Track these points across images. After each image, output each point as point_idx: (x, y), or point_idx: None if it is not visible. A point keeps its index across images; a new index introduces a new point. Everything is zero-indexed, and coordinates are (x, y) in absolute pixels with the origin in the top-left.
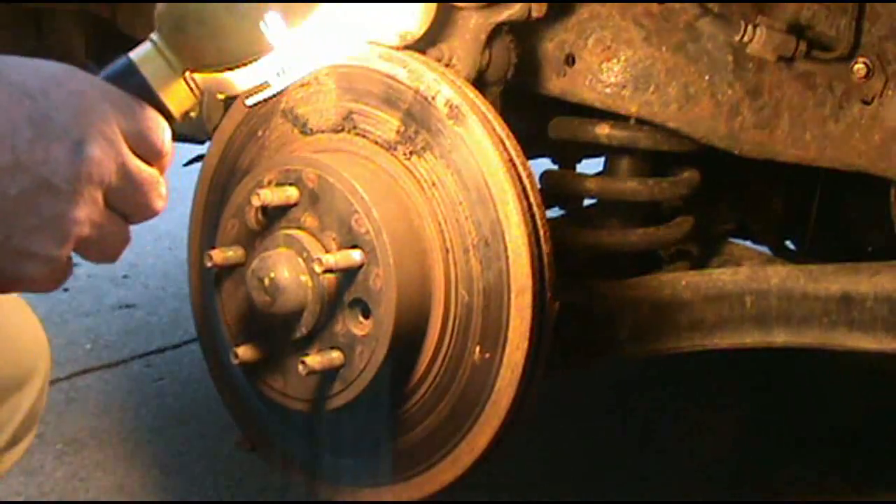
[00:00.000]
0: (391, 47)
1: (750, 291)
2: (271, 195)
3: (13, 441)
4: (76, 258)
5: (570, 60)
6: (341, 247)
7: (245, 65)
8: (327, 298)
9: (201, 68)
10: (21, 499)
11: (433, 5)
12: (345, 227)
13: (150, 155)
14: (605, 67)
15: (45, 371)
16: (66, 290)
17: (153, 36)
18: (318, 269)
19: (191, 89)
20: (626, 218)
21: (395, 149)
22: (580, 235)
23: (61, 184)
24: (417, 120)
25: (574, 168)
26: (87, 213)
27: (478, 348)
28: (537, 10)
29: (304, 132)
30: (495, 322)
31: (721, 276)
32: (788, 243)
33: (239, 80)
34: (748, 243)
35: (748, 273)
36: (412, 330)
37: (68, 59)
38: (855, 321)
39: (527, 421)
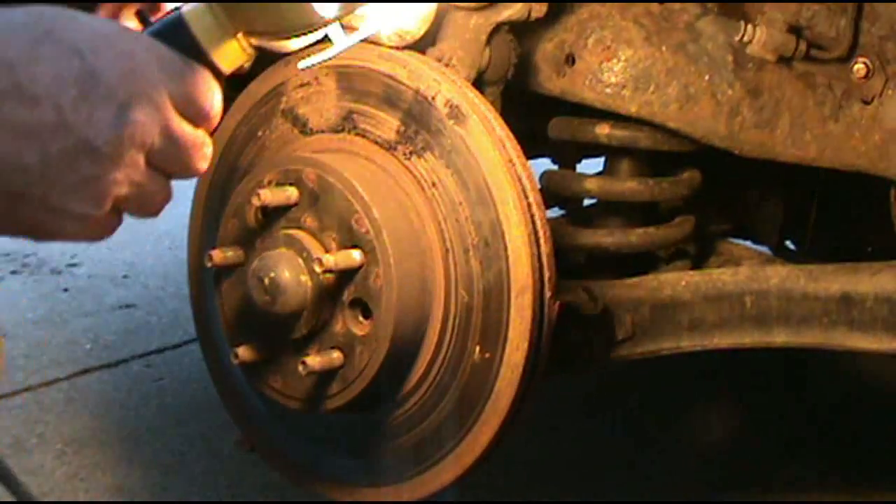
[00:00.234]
0: (391, 47)
1: (750, 291)
2: (271, 195)
3: None
4: (78, 259)
5: (570, 60)
6: (341, 247)
7: (298, 36)
8: (327, 298)
9: (254, 34)
10: (21, 498)
11: (433, 5)
12: (345, 227)
13: (198, 117)
14: (605, 67)
15: None
16: (65, 290)
17: None
18: (318, 269)
19: (243, 48)
20: (626, 218)
21: (395, 149)
22: (580, 235)
23: (102, 146)
24: (417, 120)
25: (574, 168)
26: (126, 174)
27: (478, 348)
28: (537, 10)
29: (304, 132)
30: (495, 322)
31: (721, 276)
32: (788, 243)
33: (293, 43)
34: (748, 243)
35: (748, 273)
36: (412, 330)
37: None
38: (855, 321)
39: (524, 421)
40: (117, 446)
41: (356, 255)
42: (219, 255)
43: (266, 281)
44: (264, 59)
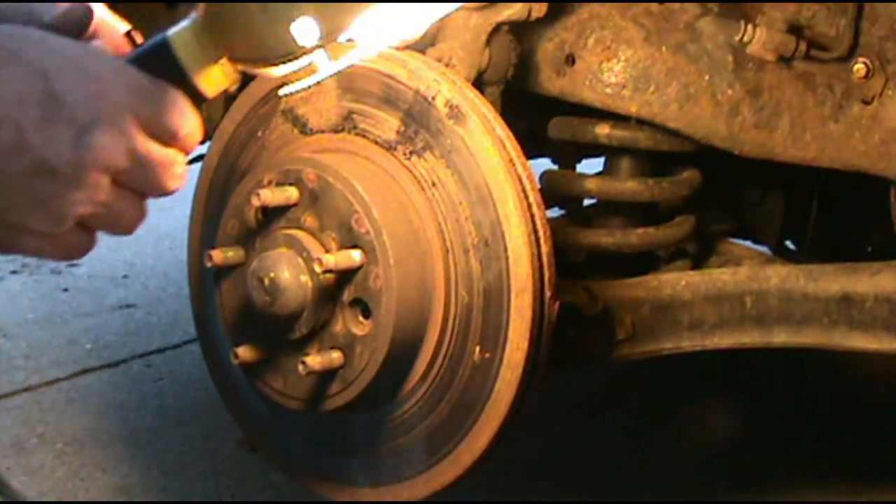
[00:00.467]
0: (391, 47)
1: (750, 291)
2: (271, 195)
3: None
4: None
5: (570, 60)
6: (341, 247)
7: (279, 64)
8: (327, 298)
9: (235, 60)
10: (21, 499)
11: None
12: (345, 227)
13: (167, 138)
14: (605, 67)
15: None
16: (65, 290)
17: (193, 15)
18: (318, 269)
19: (225, 73)
20: (626, 218)
21: (395, 149)
22: (580, 235)
23: (62, 167)
24: (417, 120)
25: (574, 168)
26: (88, 195)
27: (478, 348)
28: (537, 10)
29: (304, 132)
30: (495, 322)
31: (721, 276)
32: (788, 243)
33: (277, 70)
34: (748, 243)
35: (748, 273)
36: (412, 330)
37: None
38: (855, 321)
39: (524, 421)
40: (117, 446)
41: (356, 255)
42: (219, 255)
43: (266, 281)
44: None
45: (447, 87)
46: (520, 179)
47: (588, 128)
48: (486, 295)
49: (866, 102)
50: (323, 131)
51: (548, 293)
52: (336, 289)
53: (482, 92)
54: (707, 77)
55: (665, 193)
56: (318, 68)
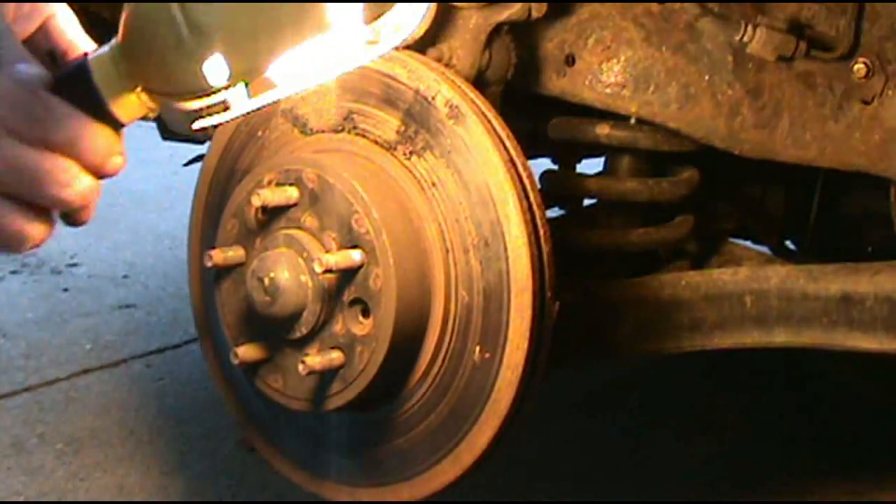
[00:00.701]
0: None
1: (750, 291)
2: (271, 195)
3: None
4: (78, 259)
5: (570, 60)
6: (341, 247)
7: (192, 99)
8: (327, 298)
9: (149, 91)
10: (21, 499)
11: (433, 5)
12: (345, 227)
13: (40, 144)
14: (605, 67)
15: None
16: (65, 290)
17: (113, 41)
18: (318, 269)
19: (142, 102)
20: (626, 218)
21: (395, 149)
22: (580, 235)
23: None
24: (417, 120)
25: (574, 168)
26: None
27: (478, 348)
28: (537, 10)
29: (304, 132)
30: (495, 322)
31: (721, 276)
32: (788, 243)
33: (190, 105)
34: (748, 243)
35: (748, 273)
36: (412, 330)
37: None
38: (855, 321)
39: (524, 421)
40: (117, 446)
41: (356, 255)
42: (219, 255)
43: (266, 281)
44: None
45: (447, 87)
46: (520, 179)
47: (588, 128)
48: (486, 295)
49: (866, 102)
50: (323, 131)
51: (548, 293)
52: (336, 289)
53: (482, 92)
54: (707, 77)
55: (665, 193)
56: (232, 106)
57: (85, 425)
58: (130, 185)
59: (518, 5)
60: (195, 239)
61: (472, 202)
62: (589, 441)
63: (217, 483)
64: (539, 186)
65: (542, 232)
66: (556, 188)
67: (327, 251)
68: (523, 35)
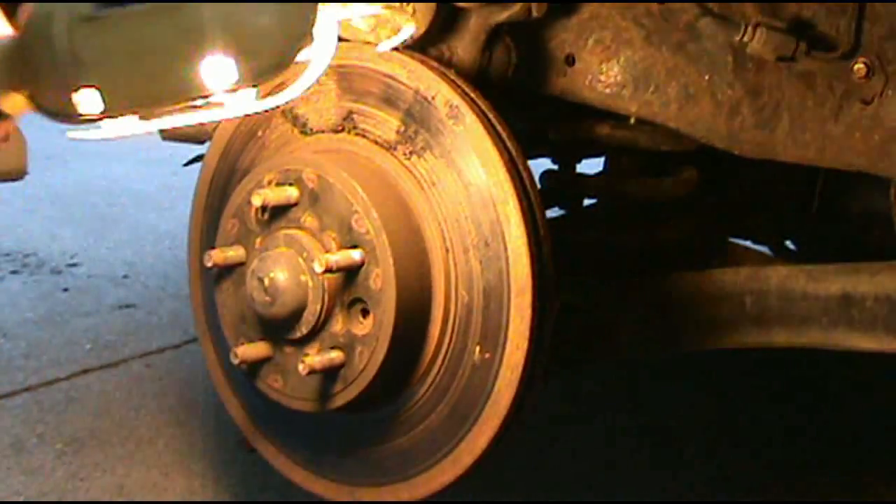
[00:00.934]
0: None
1: (750, 291)
2: (271, 195)
3: None
4: (77, 259)
5: (570, 60)
6: (341, 247)
7: (63, 122)
8: (327, 298)
9: (29, 99)
10: (21, 499)
11: (433, 5)
12: (345, 227)
13: None
14: (605, 67)
15: None
16: (65, 290)
17: (11, 36)
18: (318, 268)
19: (27, 100)
20: (626, 218)
21: (395, 149)
22: (580, 235)
23: None
24: (417, 120)
25: (574, 168)
26: None
27: (478, 348)
28: (537, 10)
29: (304, 132)
30: (495, 322)
31: (721, 276)
32: (788, 243)
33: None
34: (748, 243)
35: (748, 273)
36: (412, 330)
37: None
38: (855, 321)
39: (524, 421)
40: (117, 446)
41: (356, 255)
42: (219, 255)
43: (266, 281)
44: None
45: (447, 87)
46: (520, 179)
47: (588, 128)
48: (486, 295)
49: (866, 102)
50: (323, 131)
51: (548, 293)
52: (336, 289)
53: (482, 91)
54: (707, 77)
55: (665, 193)
56: (102, 128)
57: (85, 425)
58: (130, 185)
59: (518, 5)
60: (195, 239)
61: (472, 202)
62: (589, 441)
63: (217, 483)
64: (539, 186)
65: (542, 232)
66: (556, 188)
67: (327, 251)
68: (523, 35)
